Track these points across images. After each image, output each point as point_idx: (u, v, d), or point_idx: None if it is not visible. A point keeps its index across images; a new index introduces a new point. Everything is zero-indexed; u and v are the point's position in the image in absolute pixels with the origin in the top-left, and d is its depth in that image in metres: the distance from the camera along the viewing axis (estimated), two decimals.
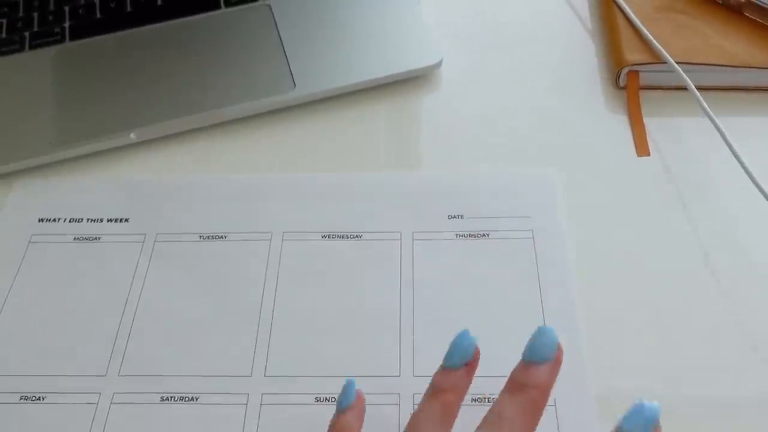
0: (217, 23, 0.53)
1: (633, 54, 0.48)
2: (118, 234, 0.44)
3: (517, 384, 0.30)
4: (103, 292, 0.41)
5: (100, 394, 0.37)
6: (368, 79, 0.49)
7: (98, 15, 0.54)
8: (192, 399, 0.37)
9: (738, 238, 0.41)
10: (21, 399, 0.37)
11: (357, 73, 0.49)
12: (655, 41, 0.47)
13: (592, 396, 0.36)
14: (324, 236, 0.43)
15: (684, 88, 0.46)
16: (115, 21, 0.53)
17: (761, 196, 0.40)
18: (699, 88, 0.45)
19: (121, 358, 0.39)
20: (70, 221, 0.44)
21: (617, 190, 0.44)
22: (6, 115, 0.49)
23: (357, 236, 0.42)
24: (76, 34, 0.53)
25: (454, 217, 0.43)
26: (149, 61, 0.51)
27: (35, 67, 0.51)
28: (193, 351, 0.39)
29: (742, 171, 0.41)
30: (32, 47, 0.53)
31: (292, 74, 0.49)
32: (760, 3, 0.48)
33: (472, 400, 0.36)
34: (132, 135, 0.47)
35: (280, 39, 0.51)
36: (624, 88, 0.49)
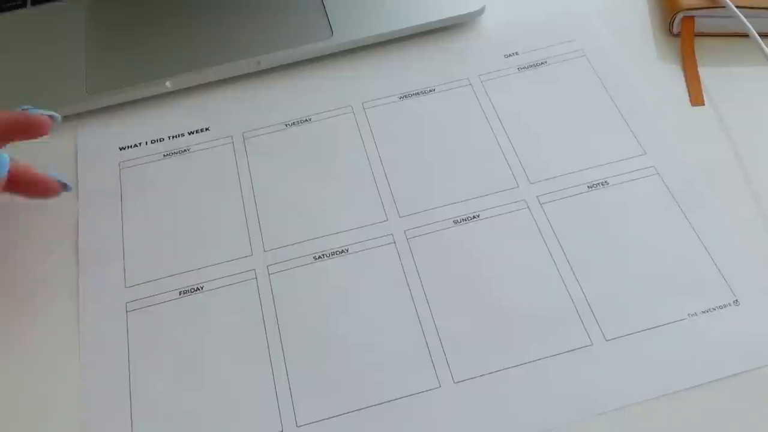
0: None
1: None
2: (205, 142, 0.45)
3: None
4: (216, 190, 0.43)
5: (254, 270, 0.39)
6: (407, 26, 0.48)
7: None
8: (343, 251, 0.39)
9: None
10: (180, 294, 0.39)
11: (395, 21, 0.48)
12: None
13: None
14: (401, 97, 0.46)
15: (744, 35, 0.44)
16: None
17: None
18: (762, 35, 0.43)
19: (260, 236, 0.40)
20: (151, 142, 0.45)
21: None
22: (42, 64, 0.48)
23: (431, 90, 0.46)
24: None
25: (510, 55, 0.47)
26: (185, 8, 0.50)
27: (71, 15, 0.51)
28: (326, 214, 0.41)
29: None
30: None
31: (329, 22, 0.49)
32: None
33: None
34: (167, 83, 0.47)
35: None
36: (678, 35, 0.47)
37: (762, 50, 0.43)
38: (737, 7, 0.44)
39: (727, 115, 0.44)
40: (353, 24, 0.49)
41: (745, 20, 0.44)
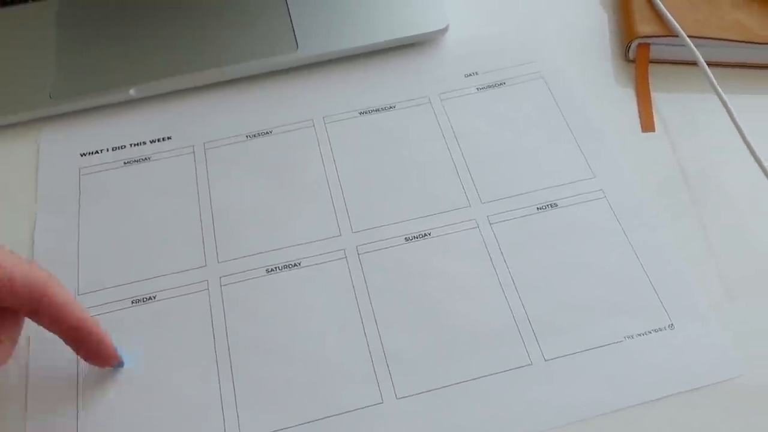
0: None
1: (644, 26, 0.47)
2: (166, 151, 0.45)
3: None
4: (174, 200, 0.43)
5: (207, 281, 0.40)
6: (372, 42, 0.49)
7: None
8: (295, 265, 0.40)
9: (739, 217, 0.42)
10: (132, 303, 0.39)
11: (361, 37, 0.49)
12: (668, 13, 0.47)
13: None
14: (361, 113, 0.47)
15: (695, 63, 0.45)
16: None
17: (765, 177, 0.40)
18: (710, 64, 0.45)
19: (215, 247, 0.41)
20: (113, 150, 0.46)
21: None
22: (7, 66, 0.48)
23: (391, 107, 0.47)
24: None
25: (470, 74, 0.49)
26: (152, 16, 0.50)
27: (38, 19, 0.51)
28: (281, 227, 0.42)
29: (748, 151, 0.41)
30: None
31: (295, 35, 0.49)
32: None
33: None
34: (131, 91, 0.47)
35: None
36: (633, 61, 0.48)
37: (709, 78, 0.44)
38: (689, 36, 0.46)
39: (676, 141, 0.45)
40: (319, 38, 0.49)
41: (694, 49, 0.45)
